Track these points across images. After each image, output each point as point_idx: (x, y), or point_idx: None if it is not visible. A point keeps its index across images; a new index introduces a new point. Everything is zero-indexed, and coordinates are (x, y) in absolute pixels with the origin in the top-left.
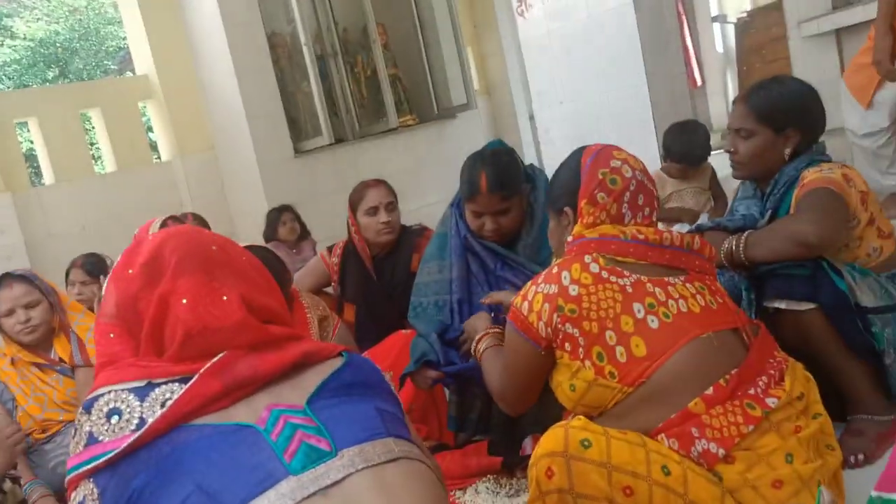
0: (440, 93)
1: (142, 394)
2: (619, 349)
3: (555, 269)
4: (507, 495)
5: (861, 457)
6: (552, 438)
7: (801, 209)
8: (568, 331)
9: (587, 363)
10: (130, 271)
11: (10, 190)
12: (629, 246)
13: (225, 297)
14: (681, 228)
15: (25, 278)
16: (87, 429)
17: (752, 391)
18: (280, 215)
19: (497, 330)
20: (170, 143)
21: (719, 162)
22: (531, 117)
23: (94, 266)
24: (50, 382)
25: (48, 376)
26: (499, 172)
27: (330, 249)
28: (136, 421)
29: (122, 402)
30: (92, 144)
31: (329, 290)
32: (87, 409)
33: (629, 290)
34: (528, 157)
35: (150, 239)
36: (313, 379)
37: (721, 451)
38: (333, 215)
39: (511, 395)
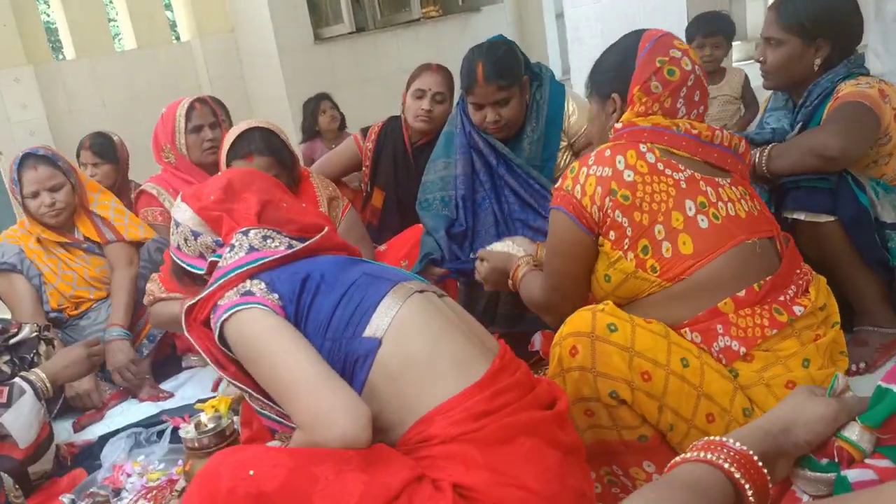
0: None
1: (281, 234)
2: (666, 244)
3: (607, 152)
4: None
5: (863, 365)
6: (579, 319)
7: (827, 121)
8: (617, 218)
9: (630, 255)
10: (212, 197)
11: (32, 63)
12: (682, 139)
13: (304, 204)
14: None
15: (49, 159)
16: (248, 243)
17: (781, 298)
18: (319, 104)
19: (529, 256)
20: (189, 23)
21: (753, 72)
22: (558, 16)
23: (102, 147)
24: (77, 261)
25: (75, 255)
26: (495, 62)
27: (364, 132)
28: (285, 244)
29: (270, 232)
30: (111, 21)
31: (355, 179)
32: (245, 233)
33: (683, 185)
34: (553, 58)
35: (223, 173)
36: None
37: (742, 350)
38: (352, 106)
39: (566, 289)
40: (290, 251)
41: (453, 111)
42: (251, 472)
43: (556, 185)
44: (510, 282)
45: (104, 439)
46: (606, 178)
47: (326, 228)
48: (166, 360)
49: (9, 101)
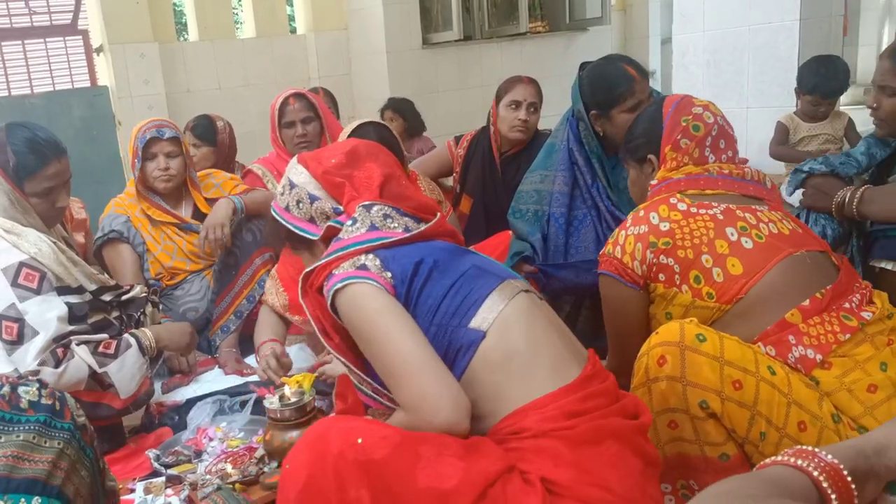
0: (575, 2)
1: (399, 212)
2: (716, 270)
3: (641, 213)
4: None
5: None
6: (667, 331)
7: None
8: (662, 262)
9: (684, 287)
10: (333, 160)
11: (157, 41)
12: (717, 180)
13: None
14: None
15: (173, 134)
16: (370, 221)
17: (846, 305)
18: (382, 112)
19: None
20: (306, 17)
21: (860, 117)
22: (664, 41)
23: (203, 129)
24: (177, 236)
25: (175, 230)
26: (639, 64)
27: (458, 139)
28: (402, 226)
29: (391, 211)
30: (234, 10)
31: (448, 180)
32: (368, 208)
33: (720, 217)
34: (652, 84)
35: (349, 139)
36: None
37: (818, 357)
38: (451, 113)
39: (627, 347)
40: (407, 234)
41: (561, 124)
42: (359, 440)
43: (601, 252)
44: None
45: (191, 402)
46: (644, 234)
47: (439, 214)
48: (252, 336)
49: (133, 74)
